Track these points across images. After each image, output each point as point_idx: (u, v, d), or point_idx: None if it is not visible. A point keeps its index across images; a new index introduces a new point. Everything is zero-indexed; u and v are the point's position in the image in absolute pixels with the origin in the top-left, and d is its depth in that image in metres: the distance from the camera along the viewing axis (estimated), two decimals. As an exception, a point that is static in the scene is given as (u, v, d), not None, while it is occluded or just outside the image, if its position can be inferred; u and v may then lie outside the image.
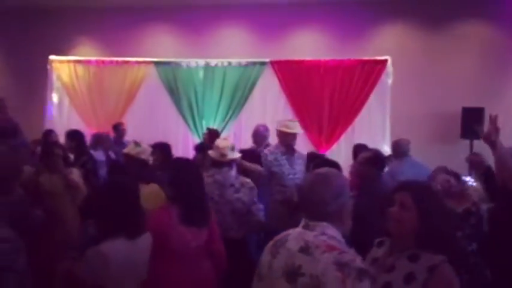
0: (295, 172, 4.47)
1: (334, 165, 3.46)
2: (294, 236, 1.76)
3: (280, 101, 7.01)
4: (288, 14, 7.30)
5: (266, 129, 5.53)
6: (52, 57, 7.69)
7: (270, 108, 7.03)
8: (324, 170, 1.89)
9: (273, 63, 7.04)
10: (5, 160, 3.03)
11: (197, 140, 7.25)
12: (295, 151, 4.66)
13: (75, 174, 4.06)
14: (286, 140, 4.61)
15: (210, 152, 3.71)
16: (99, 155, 5.59)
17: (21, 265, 1.88)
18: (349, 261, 1.59)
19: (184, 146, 7.27)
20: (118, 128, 6.85)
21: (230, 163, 3.62)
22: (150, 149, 3.86)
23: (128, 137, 6.69)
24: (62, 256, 2.84)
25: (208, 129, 6.53)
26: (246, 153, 4.37)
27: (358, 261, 1.62)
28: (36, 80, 7.82)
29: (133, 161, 3.65)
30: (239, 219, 3.53)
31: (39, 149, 4.83)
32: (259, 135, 5.45)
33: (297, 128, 4.69)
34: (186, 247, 2.67)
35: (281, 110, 6.89)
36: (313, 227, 1.73)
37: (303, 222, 1.79)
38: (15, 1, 7.79)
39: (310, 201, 1.77)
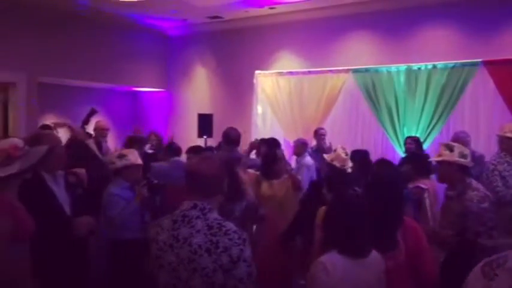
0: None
1: None
2: None
3: (496, 104, 6.24)
4: (500, 8, 6.48)
5: (467, 135, 5.15)
6: (257, 71, 8.33)
7: (483, 113, 6.32)
8: None
9: (486, 63, 6.33)
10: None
11: (397, 148, 6.96)
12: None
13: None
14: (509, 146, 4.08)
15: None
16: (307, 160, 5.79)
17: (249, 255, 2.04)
18: None
19: (383, 154, 7.02)
20: (317, 133, 6.99)
21: None
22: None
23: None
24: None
25: (410, 137, 6.22)
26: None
27: None
28: (244, 93, 8.53)
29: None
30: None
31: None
32: (461, 142, 4.95)
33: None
34: None
35: (498, 114, 6.12)
36: None
37: None
38: (222, 24, 8.68)
39: None
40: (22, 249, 2.63)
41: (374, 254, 2.29)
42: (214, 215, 2.07)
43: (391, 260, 2.39)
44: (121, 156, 3.78)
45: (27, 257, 2.66)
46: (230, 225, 2.04)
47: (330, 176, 3.85)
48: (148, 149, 6.19)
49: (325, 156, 4.86)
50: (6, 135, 7.13)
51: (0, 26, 6.87)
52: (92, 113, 5.64)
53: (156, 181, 3.91)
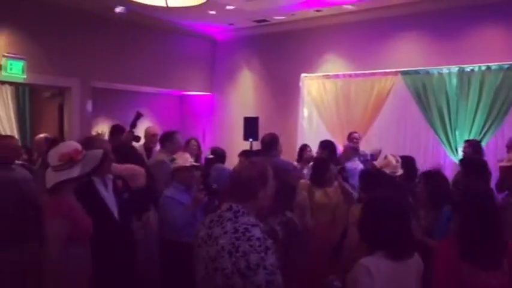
0: None
1: None
2: None
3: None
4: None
5: None
6: (303, 74, 8.30)
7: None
8: None
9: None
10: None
11: (449, 153, 6.74)
12: None
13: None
14: None
15: None
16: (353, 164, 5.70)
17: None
18: None
19: (434, 159, 6.83)
20: (350, 137, 6.89)
21: None
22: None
23: (373, 148, 6.69)
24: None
25: (467, 141, 5.98)
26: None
27: None
28: (290, 96, 8.52)
29: None
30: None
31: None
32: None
33: None
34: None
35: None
36: None
37: None
38: (268, 27, 8.72)
39: None
40: (83, 251, 2.73)
41: (415, 256, 2.27)
42: (246, 218, 2.09)
43: (495, 279, 2.27)
44: (172, 160, 3.94)
45: (89, 259, 2.75)
46: (255, 231, 2.04)
47: (365, 177, 3.81)
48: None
49: (376, 163, 4.78)
50: (62, 137, 7.46)
51: (55, 34, 7.19)
52: (138, 116, 5.82)
53: (215, 185, 3.96)
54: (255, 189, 2.14)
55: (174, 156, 4.04)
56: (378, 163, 4.58)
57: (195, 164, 4.01)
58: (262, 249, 1.99)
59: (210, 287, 2.07)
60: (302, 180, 4.64)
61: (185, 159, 3.91)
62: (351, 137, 6.87)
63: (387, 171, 4.17)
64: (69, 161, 2.66)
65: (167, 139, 5.19)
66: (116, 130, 6.14)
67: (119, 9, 7.25)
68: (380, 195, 2.45)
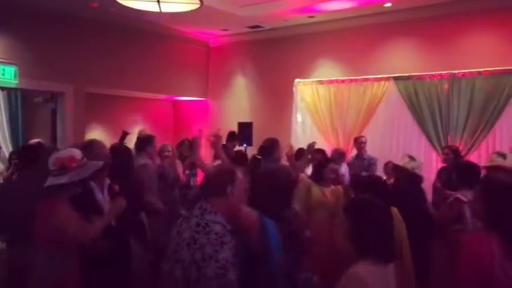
0: None
1: None
2: None
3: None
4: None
5: None
6: (297, 80, 8.34)
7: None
8: None
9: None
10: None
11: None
12: None
13: None
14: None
15: None
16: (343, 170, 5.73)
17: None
18: None
19: (426, 163, 6.85)
20: (357, 141, 6.92)
21: None
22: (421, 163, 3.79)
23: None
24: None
25: (448, 147, 6.07)
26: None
27: None
28: (284, 101, 8.54)
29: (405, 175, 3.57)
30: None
31: None
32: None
33: None
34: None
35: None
36: None
37: None
38: (261, 33, 8.76)
39: None
40: (71, 257, 2.72)
41: None
42: (211, 216, 2.18)
43: None
44: None
45: (76, 264, 2.74)
46: (215, 227, 2.14)
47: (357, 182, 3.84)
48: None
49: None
50: (54, 143, 7.43)
51: (48, 39, 7.18)
52: (124, 135, 5.81)
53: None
54: (223, 185, 2.24)
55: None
56: (406, 164, 4.48)
57: None
58: (217, 243, 2.08)
59: (171, 280, 2.15)
60: (302, 175, 4.67)
61: None
62: (357, 142, 6.90)
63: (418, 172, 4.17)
64: (61, 167, 2.66)
65: (148, 143, 5.08)
66: None
67: None
68: (360, 200, 2.39)
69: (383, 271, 2.14)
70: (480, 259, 2.20)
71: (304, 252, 2.99)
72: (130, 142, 6.06)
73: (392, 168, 4.99)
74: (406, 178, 4.10)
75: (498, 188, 2.40)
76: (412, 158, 4.07)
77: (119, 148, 4.20)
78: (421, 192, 4.35)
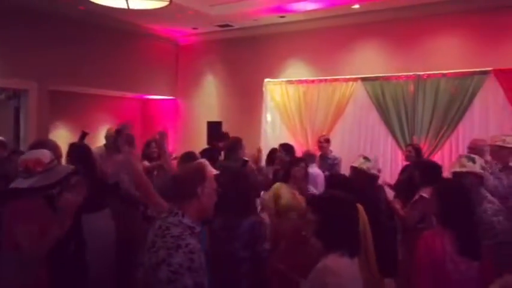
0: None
1: None
2: None
3: (506, 113, 6.19)
4: (510, 17, 6.47)
5: (485, 143, 5.08)
6: (266, 79, 8.36)
7: (493, 122, 6.28)
8: None
9: (496, 72, 6.29)
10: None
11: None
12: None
13: None
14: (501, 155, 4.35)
15: None
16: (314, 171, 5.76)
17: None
18: None
19: (393, 162, 7.02)
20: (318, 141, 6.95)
21: None
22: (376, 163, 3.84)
23: (334, 152, 6.81)
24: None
25: (411, 145, 6.24)
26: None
27: None
28: (253, 101, 8.55)
29: (362, 175, 3.62)
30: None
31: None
32: (478, 150, 4.93)
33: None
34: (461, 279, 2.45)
35: (508, 123, 6.07)
36: None
37: None
38: (231, 32, 8.75)
39: None
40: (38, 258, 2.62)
41: None
42: (176, 218, 2.13)
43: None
44: None
45: (44, 264, 2.64)
46: (174, 231, 2.08)
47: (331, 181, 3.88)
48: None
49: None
50: (17, 141, 7.21)
51: (12, 35, 6.97)
52: (83, 135, 5.72)
53: None
54: (193, 186, 2.18)
55: None
56: (362, 164, 4.54)
57: None
58: (172, 247, 2.01)
59: (137, 283, 2.19)
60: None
61: None
62: (319, 140, 6.91)
63: (373, 172, 4.27)
64: (25, 169, 2.53)
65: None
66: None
67: None
68: (330, 196, 2.44)
69: (350, 264, 2.18)
70: (433, 252, 2.41)
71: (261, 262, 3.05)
72: (99, 142, 5.98)
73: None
74: (362, 178, 4.16)
75: (450, 191, 2.72)
76: (366, 159, 4.14)
77: (77, 145, 4.15)
78: (378, 191, 4.47)
